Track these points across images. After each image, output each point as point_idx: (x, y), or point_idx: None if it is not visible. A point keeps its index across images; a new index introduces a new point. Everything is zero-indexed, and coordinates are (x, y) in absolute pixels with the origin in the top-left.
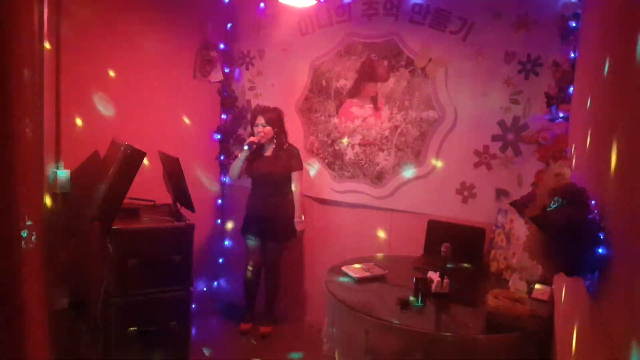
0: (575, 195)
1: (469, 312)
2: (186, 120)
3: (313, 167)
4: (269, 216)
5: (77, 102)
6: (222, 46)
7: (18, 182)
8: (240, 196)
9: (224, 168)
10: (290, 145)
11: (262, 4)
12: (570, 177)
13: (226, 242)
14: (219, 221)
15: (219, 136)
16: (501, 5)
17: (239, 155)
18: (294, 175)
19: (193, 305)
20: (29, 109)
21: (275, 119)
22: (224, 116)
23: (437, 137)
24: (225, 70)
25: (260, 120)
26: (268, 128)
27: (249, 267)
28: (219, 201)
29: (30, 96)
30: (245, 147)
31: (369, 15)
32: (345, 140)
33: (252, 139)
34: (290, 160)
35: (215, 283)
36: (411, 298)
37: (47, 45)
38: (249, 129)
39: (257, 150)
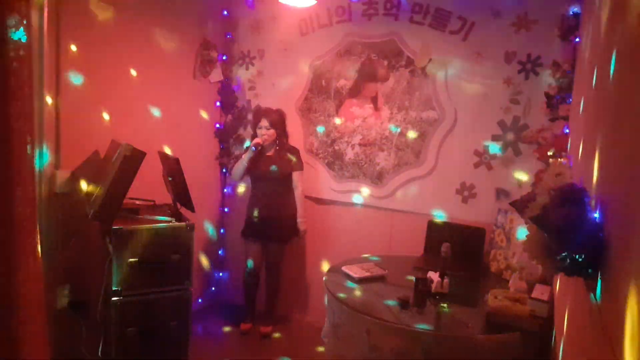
0: (575, 195)
1: (469, 312)
2: (186, 120)
3: (313, 167)
4: (271, 216)
5: (77, 102)
6: (222, 47)
7: (16, 182)
8: (240, 196)
9: (224, 168)
10: (290, 146)
11: None
12: (570, 177)
13: (226, 242)
14: (219, 221)
15: (218, 136)
16: (501, 5)
17: (243, 157)
18: (295, 175)
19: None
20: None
21: (278, 120)
22: (223, 116)
23: (437, 137)
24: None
25: (264, 122)
26: (272, 130)
27: (249, 268)
28: (219, 201)
29: (29, 95)
30: (252, 149)
31: (368, 15)
32: None
33: (257, 140)
34: (291, 161)
35: (215, 283)
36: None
37: (46, 44)
38: (249, 129)
39: (259, 151)
